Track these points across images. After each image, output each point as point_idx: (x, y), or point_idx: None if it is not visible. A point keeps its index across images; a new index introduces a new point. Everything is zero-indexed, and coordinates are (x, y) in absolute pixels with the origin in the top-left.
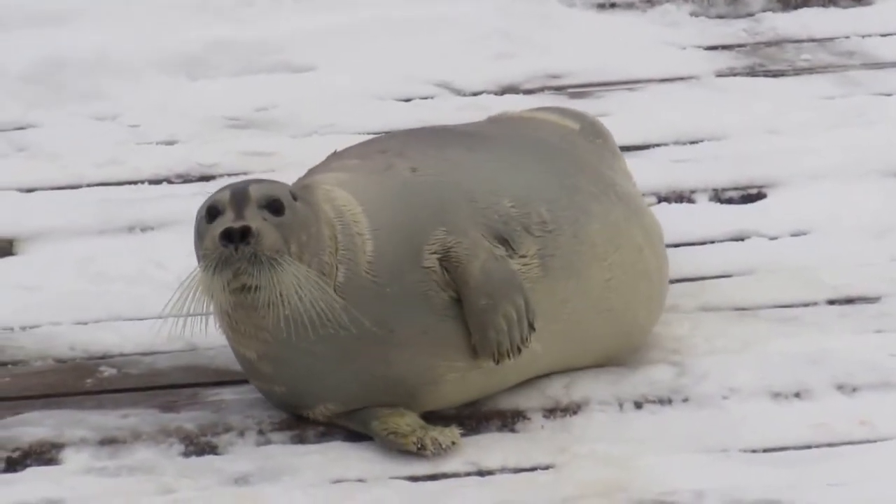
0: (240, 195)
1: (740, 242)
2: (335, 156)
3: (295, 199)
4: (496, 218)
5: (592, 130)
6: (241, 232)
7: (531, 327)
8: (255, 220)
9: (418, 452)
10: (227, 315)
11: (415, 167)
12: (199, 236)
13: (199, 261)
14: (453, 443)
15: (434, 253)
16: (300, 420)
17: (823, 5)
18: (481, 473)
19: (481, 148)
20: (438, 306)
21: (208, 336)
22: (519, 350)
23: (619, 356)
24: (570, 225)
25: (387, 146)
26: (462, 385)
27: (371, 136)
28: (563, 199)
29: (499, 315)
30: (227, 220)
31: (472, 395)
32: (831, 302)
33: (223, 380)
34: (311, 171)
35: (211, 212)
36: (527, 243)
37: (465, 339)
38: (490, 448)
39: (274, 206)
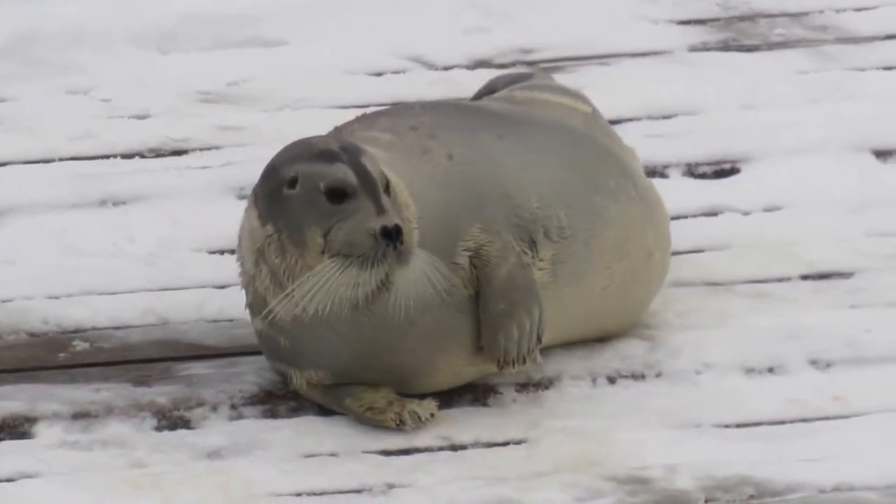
0: (370, 179)
1: (714, 217)
2: (363, 121)
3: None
4: (527, 217)
5: (600, 113)
6: (396, 230)
7: (539, 339)
8: (394, 212)
9: (398, 427)
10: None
11: (451, 154)
12: (302, 210)
13: (298, 233)
14: (432, 414)
15: (467, 250)
16: (272, 395)
17: None
18: (454, 448)
19: (511, 135)
20: (457, 302)
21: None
22: (524, 361)
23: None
24: (584, 231)
25: (418, 122)
26: (454, 377)
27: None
28: (582, 201)
29: (513, 323)
30: (370, 212)
31: (458, 383)
32: (805, 277)
33: (196, 354)
34: (340, 132)
35: (336, 193)
36: (545, 248)
37: (472, 338)
38: (462, 422)
39: (388, 188)
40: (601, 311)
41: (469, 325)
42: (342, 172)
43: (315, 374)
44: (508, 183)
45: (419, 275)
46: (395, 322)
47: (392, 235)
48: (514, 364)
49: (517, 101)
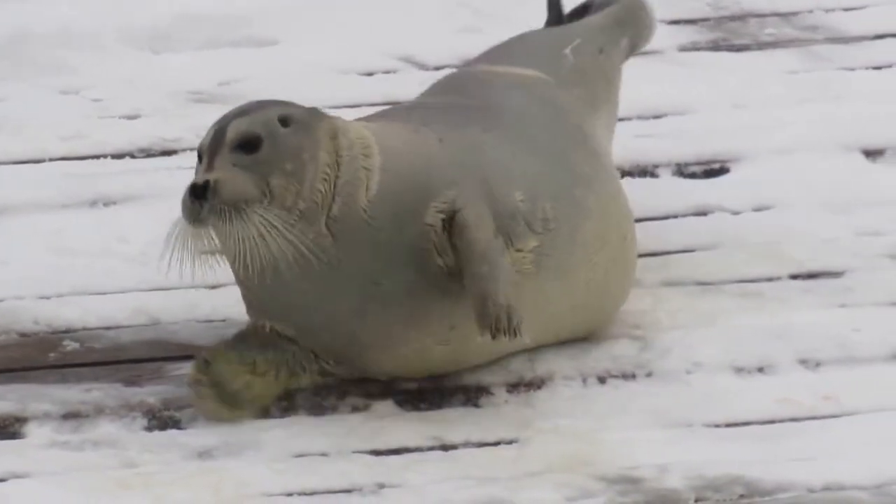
0: (216, 139)
1: (703, 217)
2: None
3: (286, 124)
4: (505, 212)
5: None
6: (203, 187)
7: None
8: (221, 168)
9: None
10: None
11: (441, 138)
12: None
13: None
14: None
15: (441, 212)
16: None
17: None
18: (445, 448)
19: (496, 127)
20: (430, 271)
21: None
22: (516, 333)
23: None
24: (567, 223)
25: (409, 117)
26: (421, 358)
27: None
28: (566, 194)
29: (500, 289)
30: (199, 171)
31: (425, 369)
32: (794, 276)
33: (186, 354)
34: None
35: (198, 156)
36: (526, 239)
37: (445, 315)
38: (453, 422)
39: (249, 145)
40: (586, 305)
41: (441, 298)
42: (206, 136)
43: (276, 326)
44: (493, 174)
45: (251, 235)
46: (357, 281)
47: (197, 192)
48: (506, 333)
49: (483, 77)
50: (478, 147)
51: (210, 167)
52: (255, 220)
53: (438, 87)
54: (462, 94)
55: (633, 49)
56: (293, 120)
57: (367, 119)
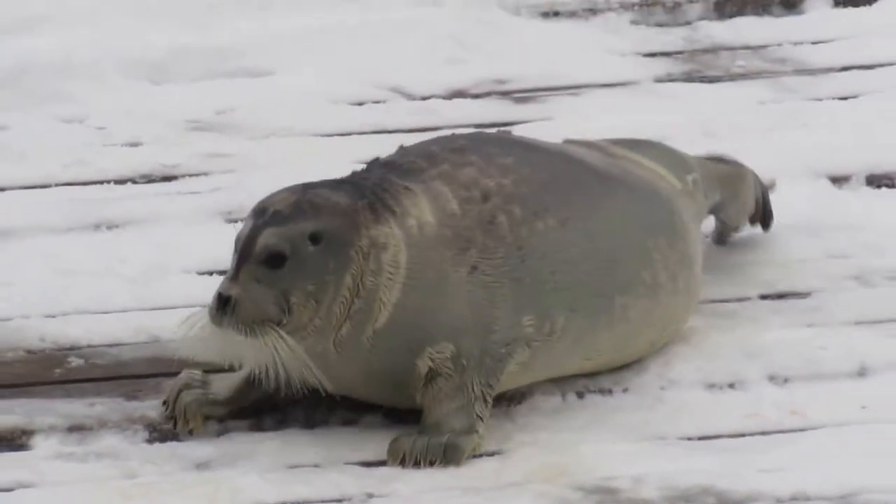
0: (247, 247)
1: None
2: (454, 152)
3: (317, 240)
4: (503, 340)
5: (701, 184)
6: (225, 300)
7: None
8: (244, 282)
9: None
10: None
11: (475, 266)
12: None
13: None
14: (191, 431)
15: (432, 361)
16: (258, 409)
17: (757, 14)
18: None
19: (576, 219)
20: (407, 394)
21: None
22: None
23: None
24: (578, 330)
25: (498, 184)
26: None
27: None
28: (596, 302)
29: (424, 439)
30: (226, 276)
31: None
32: (764, 297)
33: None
34: (419, 153)
35: (234, 244)
36: (522, 354)
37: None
38: None
39: (274, 260)
40: (583, 370)
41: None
42: (244, 226)
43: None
44: (515, 300)
45: (265, 350)
46: (349, 387)
47: (221, 302)
48: (403, 464)
49: (610, 153)
50: (520, 268)
51: (235, 277)
52: (269, 340)
53: (575, 141)
54: (590, 160)
55: (716, 212)
56: (325, 237)
57: (462, 162)
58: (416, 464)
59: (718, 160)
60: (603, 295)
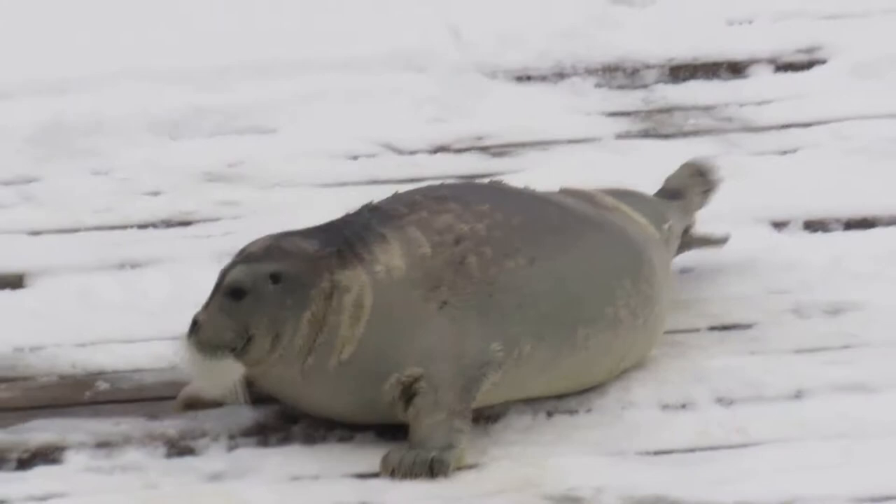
0: (219, 280)
1: None
2: (434, 201)
3: (277, 281)
4: (474, 364)
5: (672, 234)
6: (194, 322)
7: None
8: (212, 311)
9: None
10: None
11: (445, 301)
12: None
13: None
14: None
15: (401, 384)
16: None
17: (707, 78)
18: None
19: (544, 259)
20: (372, 412)
21: None
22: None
23: None
24: (543, 358)
25: (472, 229)
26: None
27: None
28: (560, 333)
29: (413, 454)
30: (204, 304)
31: None
32: (712, 328)
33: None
34: (402, 202)
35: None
36: (493, 377)
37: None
38: None
39: (236, 294)
40: (549, 392)
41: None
42: (227, 265)
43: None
44: (484, 329)
45: (218, 375)
46: (321, 408)
47: (191, 324)
48: (394, 475)
49: (598, 202)
50: (489, 304)
51: (206, 306)
52: (221, 363)
53: (569, 190)
54: (567, 203)
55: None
56: (286, 278)
57: (440, 209)
58: (405, 476)
59: (674, 193)
60: (567, 325)
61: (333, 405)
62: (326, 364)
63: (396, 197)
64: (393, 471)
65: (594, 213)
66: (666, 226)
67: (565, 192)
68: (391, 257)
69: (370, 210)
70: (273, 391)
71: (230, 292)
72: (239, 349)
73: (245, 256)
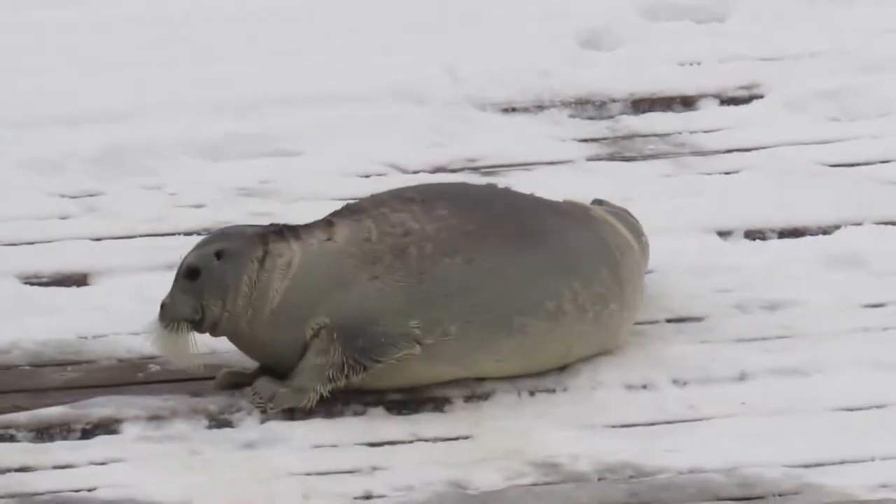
0: (179, 267)
1: None
2: (398, 199)
3: (220, 257)
4: (395, 333)
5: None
6: (161, 305)
7: (269, 410)
8: (174, 293)
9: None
10: None
11: (376, 276)
12: None
13: None
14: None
15: (312, 329)
16: None
17: (663, 110)
18: (420, 440)
19: (481, 260)
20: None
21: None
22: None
23: None
24: (474, 337)
25: (413, 227)
26: None
27: (342, 201)
28: (492, 317)
29: (273, 386)
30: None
31: None
32: (669, 320)
33: None
34: (371, 201)
35: None
36: (411, 349)
37: None
38: (426, 423)
39: (191, 275)
40: (503, 371)
41: None
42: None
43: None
44: (390, 310)
45: (182, 347)
46: (266, 356)
47: (161, 307)
48: (247, 399)
49: (589, 213)
50: (405, 289)
51: (171, 290)
52: (185, 336)
53: (571, 202)
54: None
55: None
56: (226, 253)
57: (403, 206)
58: (255, 404)
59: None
60: (501, 314)
61: (273, 349)
62: (263, 314)
63: (371, 196)
64: (251, 400)
65: (563, 223)
66: (643, 238)
67: (567, 202)
68: (330, 235)
69: (345, 207)
70: (240, 349)
71: (187, 274)
72: (197, 320)
73: (197, 245)
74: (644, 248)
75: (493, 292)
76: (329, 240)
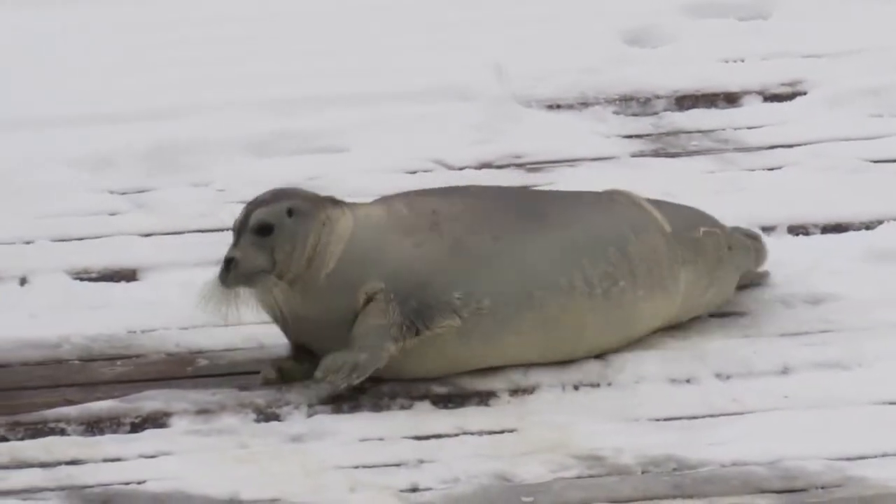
0: (243, 223)
1: None
2: (411, 193)
3: (291, 214)
4: (436, 305)
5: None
6: (228, 261)
7: (354, 380)
8: (243, 247)
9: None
10: None
11: (419, 243)
12: None
13: None
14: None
15: (366, 294)
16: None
17: (707, 107)
18: (466, 434)
19: (510, 240)
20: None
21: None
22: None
23: None
24: (501, 312)
25: (441, 208)
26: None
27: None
28: (518, 292)
29: (344, 356)
30: (231, 245)
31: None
32: (712, 315)
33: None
34: (388, 195)
35: (232, 231)
36: (451, 321)
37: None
38: (471, 416)
39: (263, 231)
40: (521, 352)
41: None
42: (238, 216)
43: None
44: (437, 280)
45: (260, 294)
46: (319, 326)
47: (226, 263)
48: (326, 380)
49: (615, 199)
50: (449, 253)
51: (236, 245)
52: (265, 285)
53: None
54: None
55: (746, 268)
56: (297, 211)
57: (419, 196)
58: (334, 382)
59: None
60: (522, 290)
61: (322, 316)
62: (318, 278)
63: (399, 192)
64: (325, 375)
65: (576, 207)
66: (700, 231)
67: (610, 192)
68: (373, 210)
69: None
70: (284, 315)
71: (258, 230)
72: (269, 271)
73: (259, 202)
74: (696, 241)
75: (516, 269)
76: (373, 214)
